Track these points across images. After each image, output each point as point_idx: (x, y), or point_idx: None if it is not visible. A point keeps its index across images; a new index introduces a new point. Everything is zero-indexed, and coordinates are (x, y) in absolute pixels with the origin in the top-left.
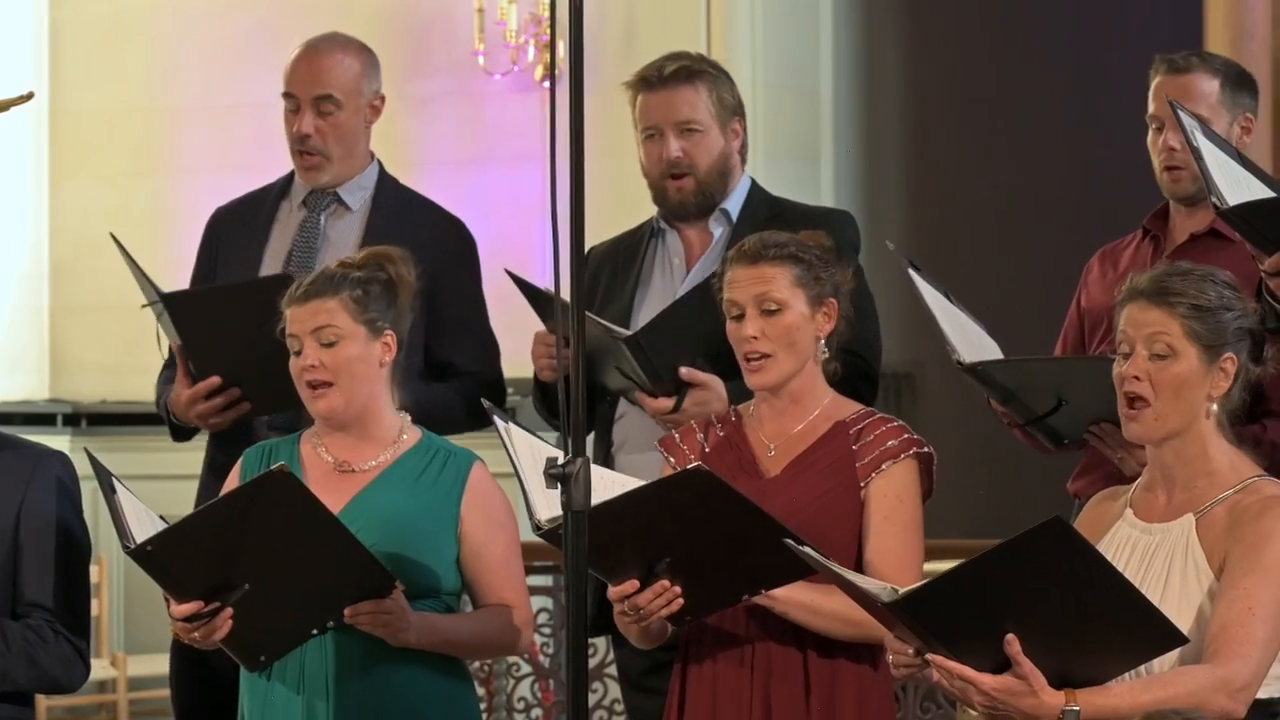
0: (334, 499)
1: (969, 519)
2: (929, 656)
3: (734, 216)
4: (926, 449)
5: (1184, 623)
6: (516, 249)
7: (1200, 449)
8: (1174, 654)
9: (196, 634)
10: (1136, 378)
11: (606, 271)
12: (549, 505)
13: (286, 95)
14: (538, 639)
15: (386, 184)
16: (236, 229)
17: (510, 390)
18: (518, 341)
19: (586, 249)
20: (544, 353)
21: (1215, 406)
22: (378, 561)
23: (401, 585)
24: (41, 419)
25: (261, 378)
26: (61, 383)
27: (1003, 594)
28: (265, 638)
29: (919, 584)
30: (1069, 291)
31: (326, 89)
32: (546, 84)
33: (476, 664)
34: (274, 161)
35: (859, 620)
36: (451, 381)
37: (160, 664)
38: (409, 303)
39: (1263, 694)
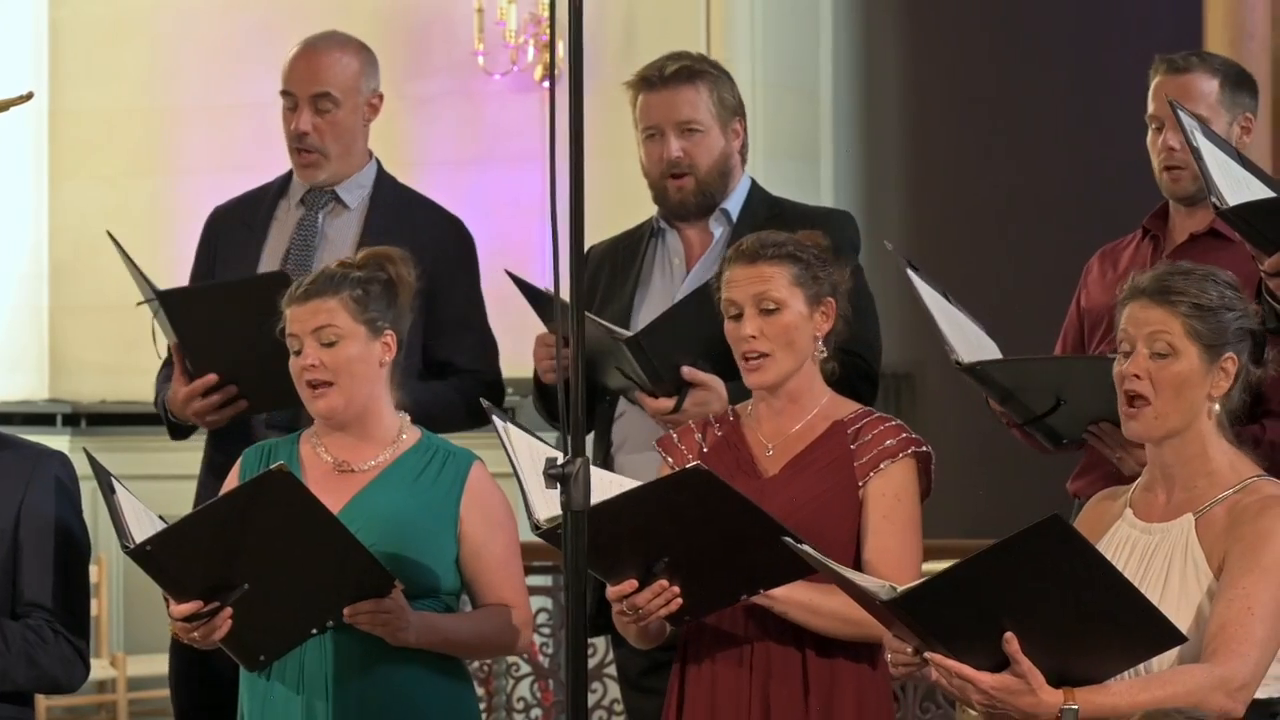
0: (333, 499)
1: (968, 519)
2: (927, 655)
3: (734, 216)
4: (924, 448)
5: (1183, 622)
6: (516, 249)
7: (1200, 448)
8: (1173, 653)
9: (196, 634)
10: (1137, 376)
11: (606, 271)
12: (548, 505)
13: (284, 93)
14: (537, 639)
15: (384, 182)
16: (235, 228)
17: (510, 390)
18: (518, 342)
19: (586, 248)
20: (546, 354)
21: (1216, 406)
22: (377, 561)
23: (401, 585)
24: (41, 419)
25: (258, 375)
26: (61, 383)
27: (1001, 592)
28: (265, 637)
29: (917, 582)
30: (1069, 291)
31: (324, 87)
32: (546, 84)
33: (476, 664)
34: (274, 161)
35: (858, 619)
36: (450, 380)
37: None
38: (409, 303)
39: (1262, 694)
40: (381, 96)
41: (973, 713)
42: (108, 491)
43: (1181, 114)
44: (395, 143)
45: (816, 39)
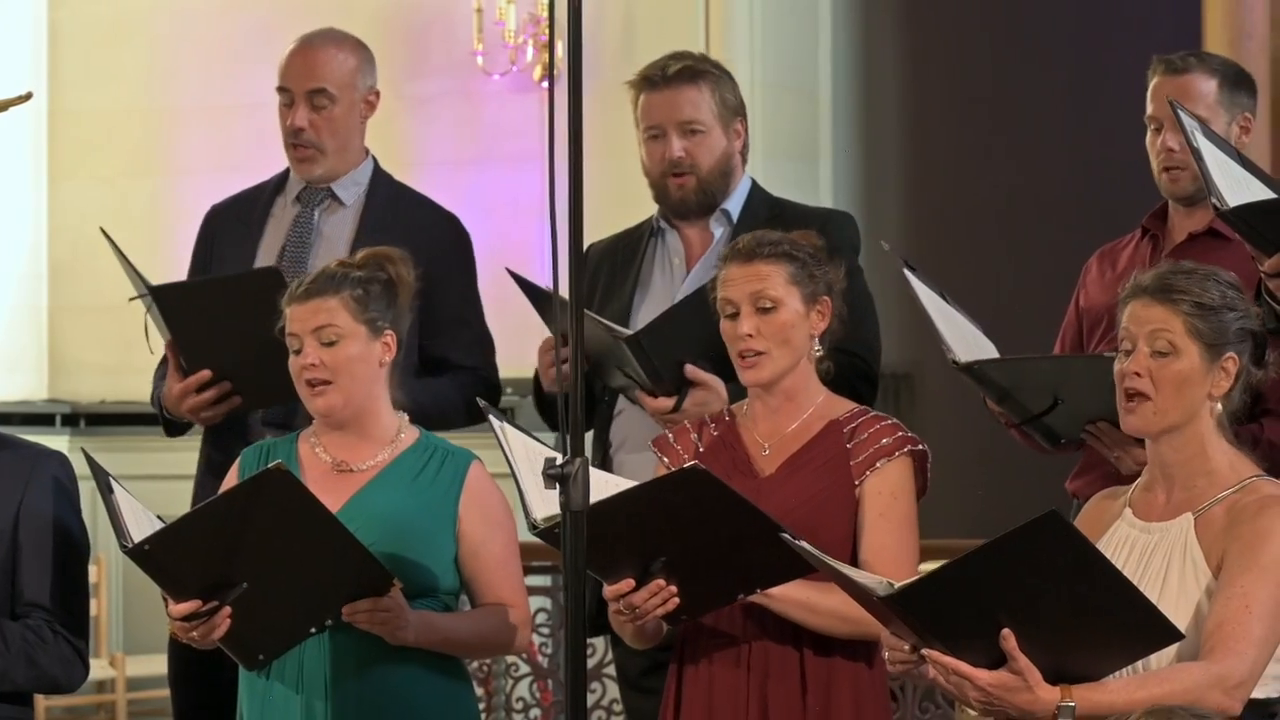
0: (332, 499)
1: (967, 519)
2: (925, 652)
3: (734, 217)
4: (920, 446)
5: (1181, 621)
6: (515, 249)
7: (1199, 447)
8: (1171, 651)
9: (195, 633)
10: (1137, 374)
11: (605, 270)
12: (545, 505)
13: (281, 89)
14: (536, 639)
15: (381, 180)
16: (232, 225)
17: (509, 390)
18: (517, 342)
19: (585, 247)
20: (550, 361)
21: (1216, 406)
22: (375, 560)
23: (400, 583)
24: (40, 419)
25: (252, 372)
26: (60, 383)
27: (999, 589)
28: (264, 636)
29: (915, 578)
30: (1068, 291)
31: (320, 83)
32: (545, 84)
33: (475, 664)
34: (273, 161)
35: (855, 617)
36: (448, 377)
37: (159, 664)
38: (408, 303)
39: (1260, 694)
40: (378, 94)
41: (972, 712)
42: (106, 491)
43: (1182, 114)
44: (394, 143)
45: (815, 39)
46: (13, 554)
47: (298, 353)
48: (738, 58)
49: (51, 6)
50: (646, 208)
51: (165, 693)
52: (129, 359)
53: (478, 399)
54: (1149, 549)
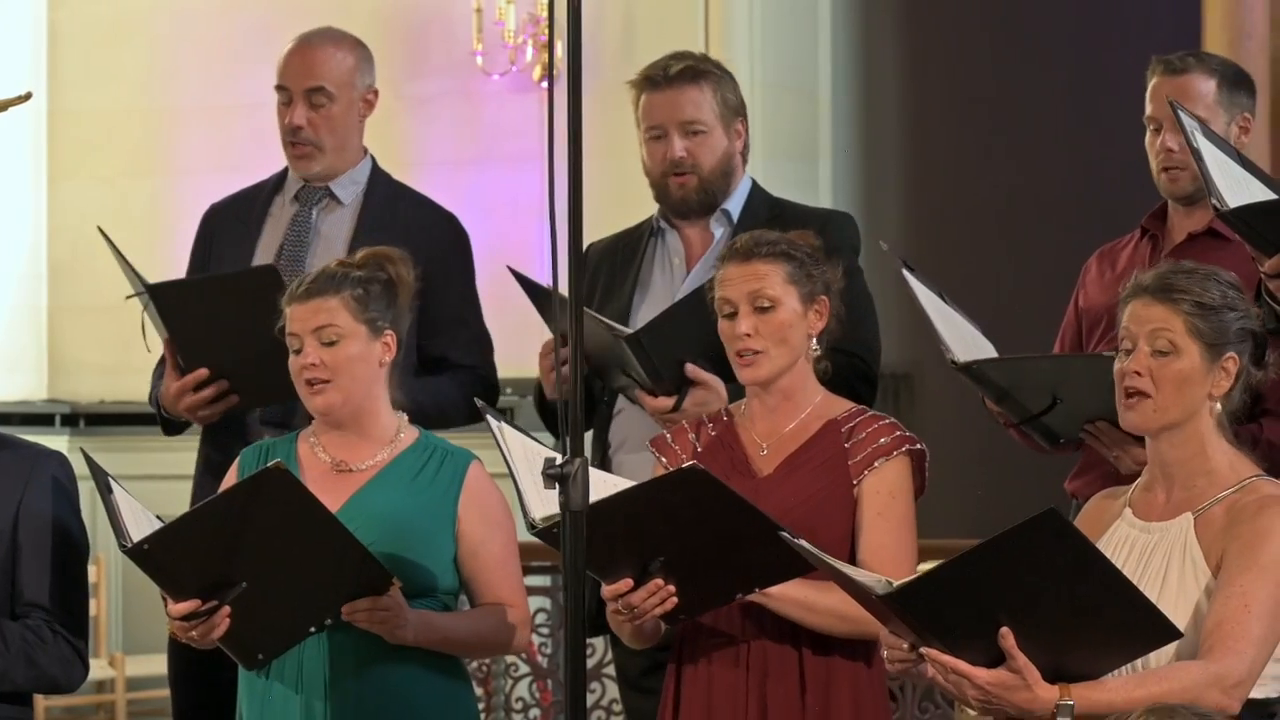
0: (331, 498)
1: (967, 519)
2: (923, 650)
3: (735, 217)
4: (918, 446)
5: (1181, 620)
6: (515, 249)
7: (1199, 447)
8: (1170, 650)
9: (194, 633)
10: (1138, 373)
11: (605, 270)
12: (543, 504)
13: (279, 88)
14: (536, 639)
15: (379, 179)
16: (230, 224)
17: (509, 390)
18: (516, 342)
19: (585, 246)
20: (551, 365)
21: (1216, 406)
22: (374, 559)
23: (398, 582)
24: (40, 419)
25: (249, 370)
26: (60, 383)
27: (997, 587)
28: (263, 636)
29: (913, 576)
30: (1068, 291)
31: (319, 81)
32: (545, 84)
33: (475, 664)
34: (272, 161)
35: (854, 616)
36: (446, 375)
37: (158, 664)
38: (408, 303)
39: (1259, 694)
40: (376, 93)
41: (971, 712)
42: (105, 491)
43: (1182, 115)
44: (394, 143)
45: (815, 39)
46: (12, 554)
47: (298, 352)
48: (737, 58)
49: (51, 6)
50: (646, 208)
51: (165, 693)
52: (128, 359)
53: (476, 399)
54: (1149, 549)
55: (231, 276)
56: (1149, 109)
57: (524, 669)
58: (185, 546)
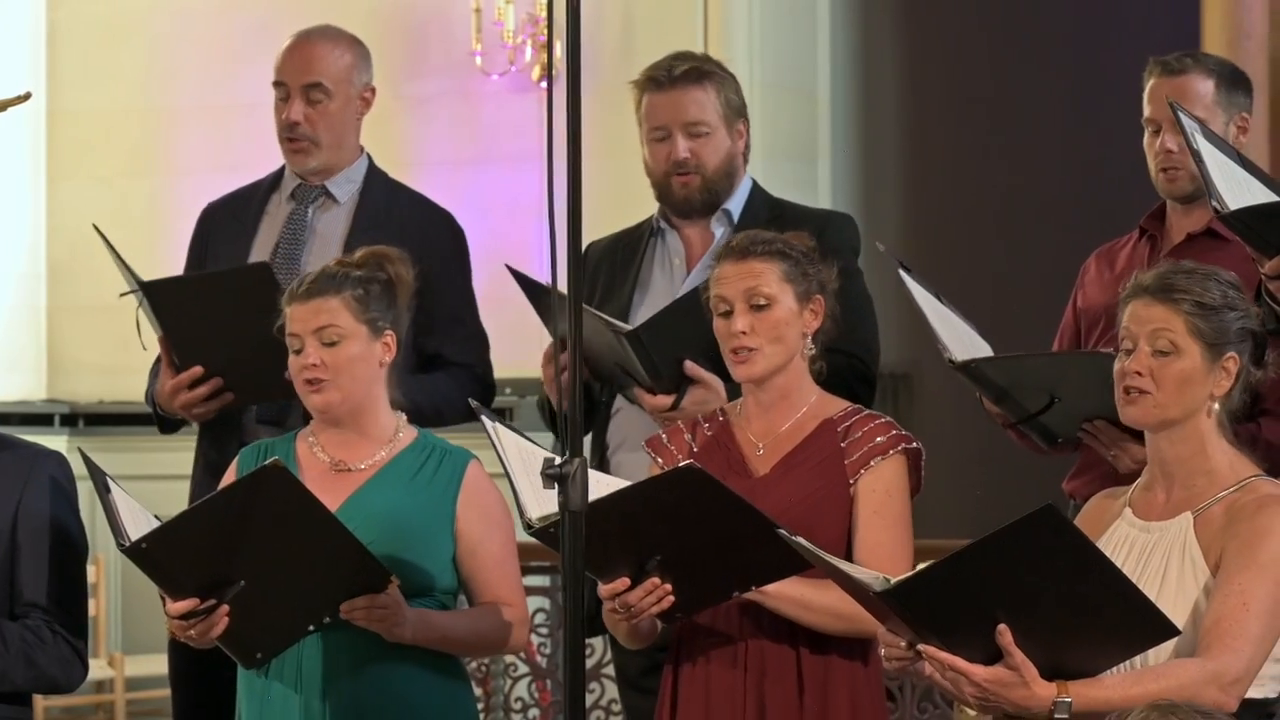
0: (330, 498)
1: (966, 519)
2: (921, 648)
3: (735, 217)
4: (915, 444)
5: (1180, 619)
6: (514, 249)
7: (1199, 446)
8: (1169, 648)
9: (193, 631)
10: (1139, 373)
11: (604, 270)
12: (539, 504)
13: (277, 84)
14: (535, 639)
15: (375, 178)
16: (227, 223)
17: (508, 390)
18: (514, 342)
19: (584, 246)
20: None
21: (1216, 406)
22: (373, 556)
23: (397, 580)
24: (39, 419)
25: (244, 367)
26: (59, 383)
27: (995, 584)
28: (262, 635)
29: (911, 573)
30: (1067, 291)
31: (316, 77)
32: (544, 84)
33: (474, 664)
34: (271, 161)
35: (851, 614)
36: (443, 373)
37: (158, 664)
38: (407, 303)
39: (1258, 694)
40: (374, 90)
41: (970, 712)
42: (103, 491)
43: (1182, 116)
44: (393, 143)
45: (814, 39)
46: (11, 554)
47: (298, 353)
48: (737, 58)
49: (50, 6)
50: (646, 208)
51: (164, 693)
52: (127, 359)
53: (470, 400)
54: (1148, 548)
55: (225, 274)
56: (1147, 110)
57: (523, 669)
58: (183, 545)
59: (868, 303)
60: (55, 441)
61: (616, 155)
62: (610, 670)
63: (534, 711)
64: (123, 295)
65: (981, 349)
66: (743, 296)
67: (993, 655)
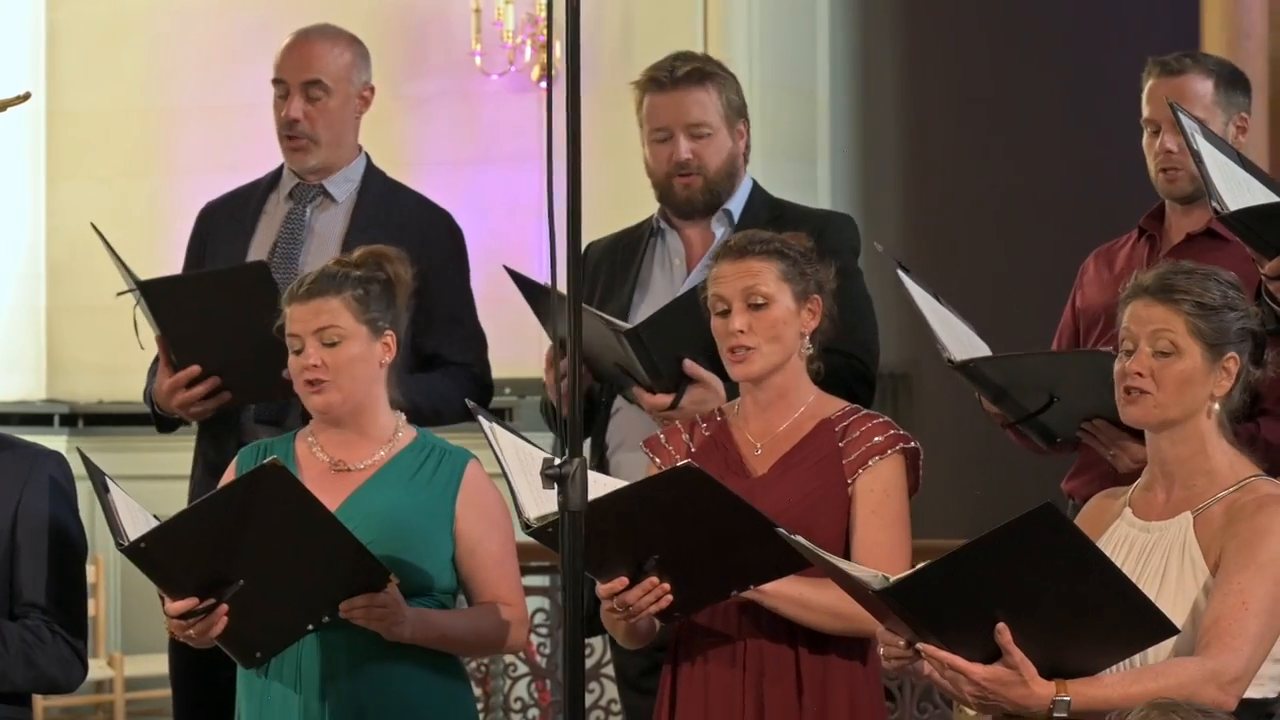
0: (329, 498)
1: (965, 519)
2: (920, 646)
3: (736, 217)
4: (912, 444)
5: (1179, 618)
6: (514, 249)
7: (1199, 446)
8: (1169, 647)
9: (192, 631)
10: (1139, 374)
11: (604, 270)
12: (537, 504)
13: (276, 81)
14: (534, 639)
15: (373, 177)
16: (225, 222)
17: (507, 390)
18: (514, 342)
19: (584, 245)
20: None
21: (1216, 406)
22: (372, 555)
23: (396, 579)
24: (38, 419)
25: (242, 367)
26: (58, 383)
27: (994, 582)
28: (261, 634)
29: (910, 571)
30: (1066, 291)
31: (316, 74)
32: (543, 84)
33: (473, 664)
34: (270, 161)
35: (849, 614)
36: (441, 372)
37: (157, 664)
38: (406, 303)
39: (1257, 694)
40: (373, 89)
41: (970, 712)
42: (102, 491)
43: (1182, 117)
44: (392, 143)
45: (814, 39)
46: (10, 554)
47: (299, 353)
48: (736, 58)
49: (50, 6)
50: (646, 208)
51: (164, 693)
52: (127, 359)
53: (468, 400)
54: (1148, 547)
55: (222, 273)
56: (1146, 111)
57: (522, 669)
58: (182, 544)
59: (867, 303)
60: (55, 441)
61: (616, 155)
62: (610, 670)
63: (533, 711)
64: (120, 294)
65: (980, 349)
66: (740, 295)
67: (992, 654)
